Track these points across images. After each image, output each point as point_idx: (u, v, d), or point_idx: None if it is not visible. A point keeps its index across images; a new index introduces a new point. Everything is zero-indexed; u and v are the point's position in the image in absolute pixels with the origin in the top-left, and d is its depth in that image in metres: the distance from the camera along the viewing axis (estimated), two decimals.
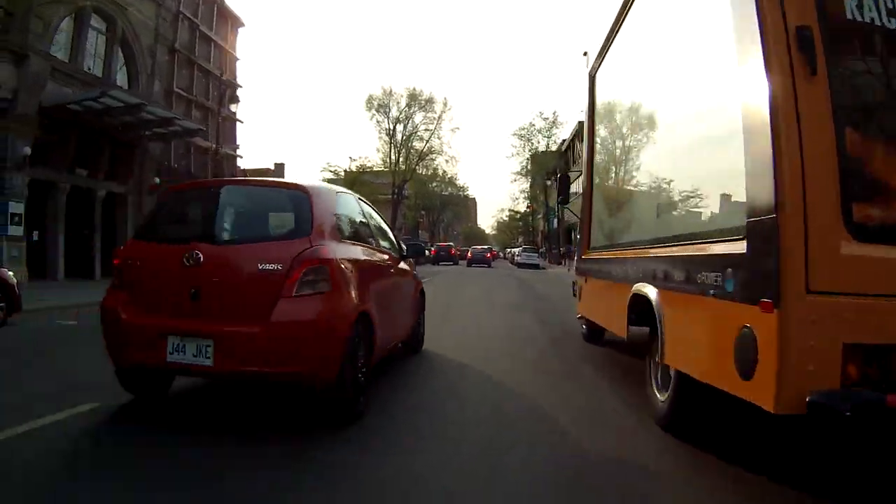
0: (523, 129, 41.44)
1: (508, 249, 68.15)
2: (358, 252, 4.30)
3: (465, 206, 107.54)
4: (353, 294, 3.80)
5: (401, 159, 45.46)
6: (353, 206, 4.81)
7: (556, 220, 43.70)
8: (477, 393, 4.88)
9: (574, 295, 8.39)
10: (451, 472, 3.07)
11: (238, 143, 30.75)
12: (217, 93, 25.71)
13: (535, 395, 4.74)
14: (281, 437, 3.44)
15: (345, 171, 36.24)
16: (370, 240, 4.93)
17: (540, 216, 70.96)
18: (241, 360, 3.38)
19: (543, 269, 32.49)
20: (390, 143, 44.70)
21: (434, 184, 66.48)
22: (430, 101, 44.16)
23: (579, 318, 8.02)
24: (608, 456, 3.35)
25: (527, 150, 41.80)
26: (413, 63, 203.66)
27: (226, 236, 3.84)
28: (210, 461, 3.06)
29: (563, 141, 43.23)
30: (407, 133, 44.34)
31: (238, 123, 31.14)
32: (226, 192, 4.20)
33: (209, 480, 2.83)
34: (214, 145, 22.22)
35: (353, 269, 3.93)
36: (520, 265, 34.37)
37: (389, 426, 3.82)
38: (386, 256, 5.18)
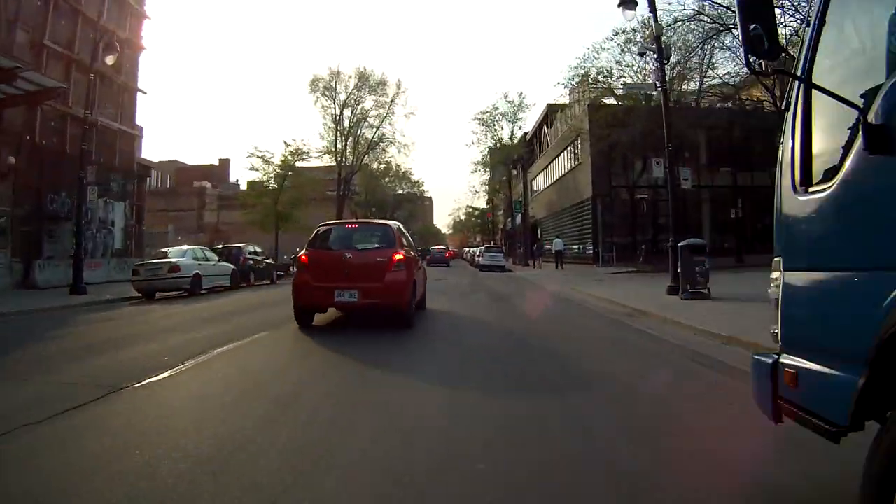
0: (485, 112, 39.90)
1: (467, 249, 66.23)
2: (410, 254, 9.28)
3: (420, 204, 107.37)
4: (411, 271, 8.67)
5: (348, 149, 42.85)
6: (404, 230, 10.04)
7: (519, 216, 43.68)
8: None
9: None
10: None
11: (139, 121, 26.38)
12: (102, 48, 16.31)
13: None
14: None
15: (283, 158, 32.46)
16: (410, 248, 9.71)
17: (500, 212, 71.70)
18: (370, 298, 7.96)
19: (510, 271, 29.66)
20: (336, 130, 42.34)
21: (387, 179, 65.82)
22: (381, 83, 41.93)
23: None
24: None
25: (489, 138, 40.37)
26: (366, 48, 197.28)
27: (359, 247, 8.59)
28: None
29: (525, 133, 42.91)
30: (355, 118, 42.12)
31: (139, 94, 25.66)
32: (351, 224, 10.29)
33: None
34: (87, 112, 16.19)
35: (409, 261, 8.73)
36: (482, 267, 30.58)
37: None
38: (414, 255, 10.17)
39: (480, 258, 32.14)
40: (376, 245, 8.46)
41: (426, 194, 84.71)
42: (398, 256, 8.13)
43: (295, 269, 10.59)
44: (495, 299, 14.36)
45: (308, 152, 32.65)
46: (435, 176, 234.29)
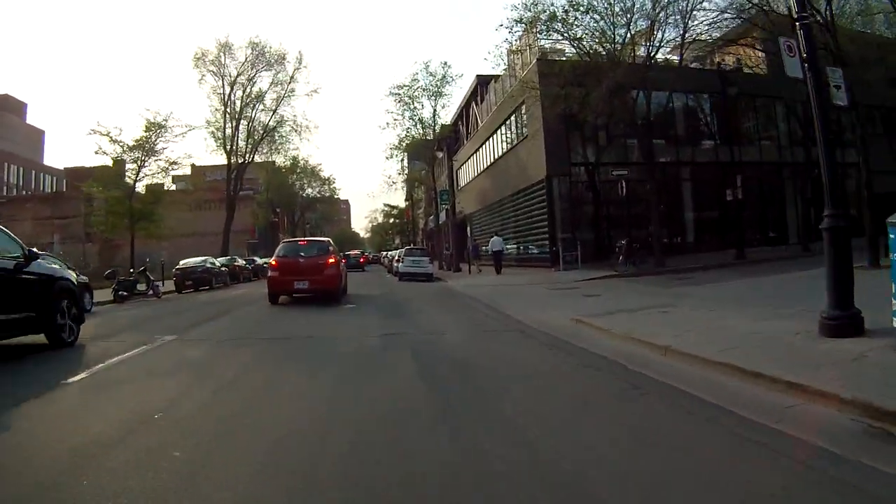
0: (402, 87, 32.57)
1: (385, 253, 58.67)
2: (338, 258, 14.81)
3: (334, 206, 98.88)
4: (339, 269, 14.42)
5: (240, 137, 34.66)
6: (333, 244, 15.60)
7: (444, 211, 36.96)
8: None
9: None
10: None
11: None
12: None
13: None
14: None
15: (143, 133, 24.90)
16: (337, 254, 15.22)
17: (420, 210, 65.05)
18: (315, 285, 13.26)
19: (440, 279, 22.72)
20: (225, 113, 34.06)
21: (294, 176, 57.34)
22: (279, 57, 34.31)
23: None
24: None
25: (406, 118, 32.99)
26: (262, 16, 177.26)
27: (306, 254, 14.13)
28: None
29: (449, 117, 36.04)
30: (249, 99, 34.00)
31: None
32: (302, 241, 16.68)
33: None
34: None
35: (338, 263, 14.46)
36: (403, 276, 22.82)
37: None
38: (339, 258, 15.37)
39: (400, 263, 24.36)
40: (317, 253, 14.22)
41: (339, 195, 76.63)
42: (331, 260, 13.94)
43: (268, 271, 14.52)
44: (436, 380, 5.36)
45: (171, 127, 24.01)
46: (352, 179, 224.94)
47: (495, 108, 28.44)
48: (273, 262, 13.89)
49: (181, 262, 21.24)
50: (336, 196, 69.24)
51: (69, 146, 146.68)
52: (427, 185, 42.59)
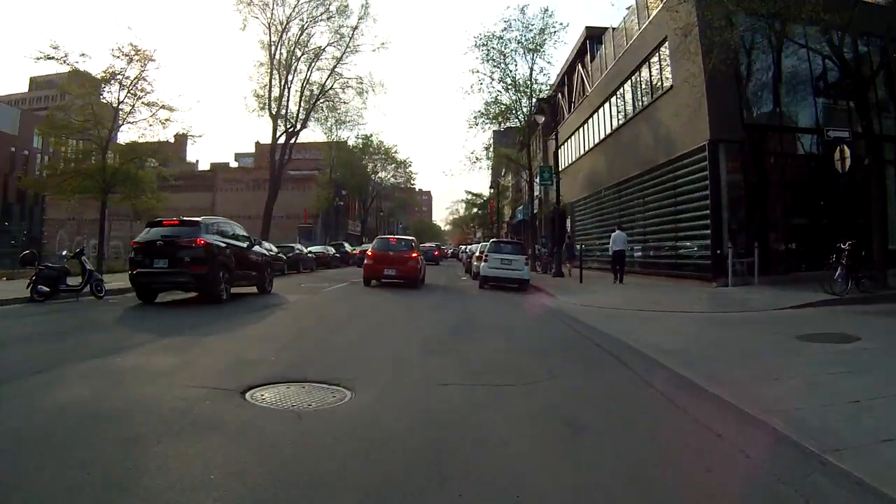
0: (491, 37, 25.46)
1: (463, 247, 52.16)
2: (419, 253, 18.72)
3: (412, 195, 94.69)
4: (419, 263, 17.85)
5: (291, 98, 29.18)
6: (417, 242, 20.46)
7: (536, 200, 30.45)
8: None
9: None
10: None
11: None
12: None
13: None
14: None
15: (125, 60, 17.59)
16: (419, 250, 19.29)
17: (506, 200, 58.63)
18: (400, 274, 16.78)
19: (538, 288, 16.41)
20: (272, 68, 28.59)
21: (366, 157, 52.80)
22: (342, 7, 29.08)
23: None
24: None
25: (496, 79, 26.57)
26: None
27: (395, 249, 17.70)
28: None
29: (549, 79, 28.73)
30: (302, 51, 28.61)
31: None
32: (392, 239, 18.81)
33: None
34: None
35: (419, 257, 18.16)
36: (486, 280, 16.93)
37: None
38: (420, 254, 18.90)
39: (484, 262, 17.31)
40: (404, 248, 17.64)
41: (415, 181, 71.96)
42: (414, 255, 17.24)
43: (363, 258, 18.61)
44: None
45: (152, 59, 17.39)
46: (435, 172, 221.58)
47: (614, 63, 21.66)
48: (370, 253, 17.63)
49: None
50: (412, 181, 64.25)
51: None
52: (517, 166, 36.00)
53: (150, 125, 16.77)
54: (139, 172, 16.93)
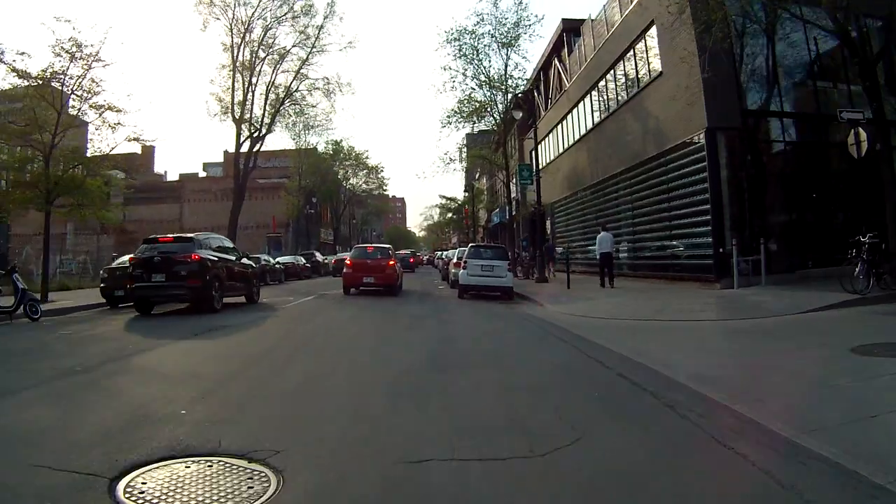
0: (464, 32, 23.92)
1: (440, 253, 50.07)
2: (396, 260, 19.10)
3: (385, 201, 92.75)
4: (397, 269, 18.48)
5: (255, 101, 27.57)
6: (393, 250, 21.40)
7: (514, 202, 29.13)
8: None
9: None
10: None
11: None
12: None
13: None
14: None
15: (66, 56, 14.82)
16: (395, 257, 19.44)
17: (480, 205, 57.27)
18: (379, 281, 17.14)
19: (524, 296, 15.11)
20: (234, 70, 26.40)
21: (337, 163, 50.90)
22: (307, 6, 27.26)
23: None
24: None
25: (468, 76, 24.75)
26: None
27: (373, 257, 18.06)
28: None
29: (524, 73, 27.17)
30: (266, 51, 26.73)
31: None
32: (369, 247, 19.98)
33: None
34: None
35: (396, 264, 18.60)
36: (466, 289, 15.47)
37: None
38: (397, 262, 19.76)
39: (463, 269, 15.71)
40: (381, 256, 18.01)
41: (388, 187, 70.25)
42: (391, 262, 17.70)
43: (341, 268, 19.74)
44: None
45: (98, 58, 15.04)
46: (408, 179, 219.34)
47: (594, 54, 20.45)
48: (348, 262, 18.07)
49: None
50: (385, 187, 62.41)
51: None
52: (493, 166, 34.51)
53: (97, 129, 14.82)
54: (87, 182, 14.89)
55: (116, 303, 13.62)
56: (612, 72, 18.91)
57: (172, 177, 62.41)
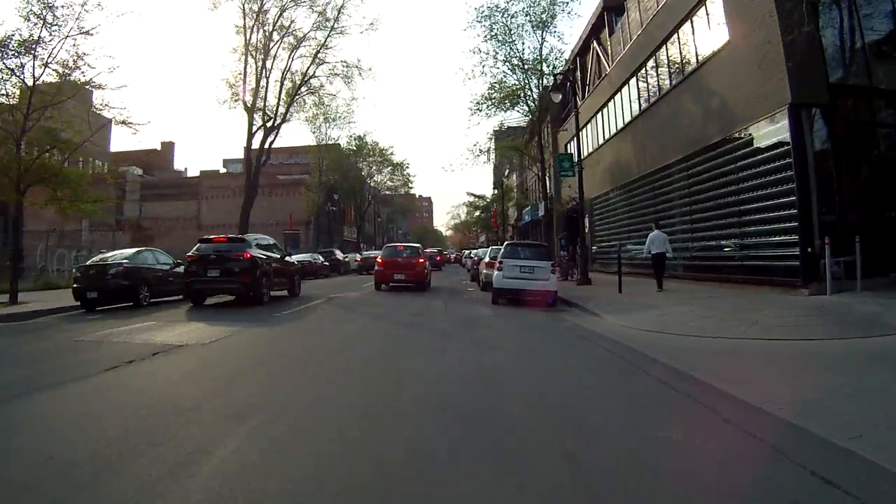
0: (494, 8, 22.48)
1: (468, 252, 47.90)
2: (425, 258, 20.43)
3: (412, 200, 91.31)
4: (426, 267, 19.70)
5: (269, 89, 25.96)
6: (423, 249, 22.89)
7: (549, 197, 27.17)
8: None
9: None
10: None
11: None
12: None
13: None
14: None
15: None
16: (425, 255, 20.88)
17: (510, 203, 55.18)
18: (409, 278, 18.54)
19: (571, 302, 13.13)
20: (246, 53, 24.89)
21: (360, 159, 49.51)
22: None
23: None
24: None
25: (500, 59, 23.15)
26: None
27: (403, 255, 19.50)
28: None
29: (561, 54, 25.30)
30: (280, 33, 25.36)
31: None
32: (399, 246, 21.60)
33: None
34: None
35: (426, 262, 19.95)
36: (502, 292, 13.46)
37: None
38: (426, 258, 21.02)
39: (498, 270, 13.63)
40: (411, 254, 19.36)
41: (413, 185, 68.42)
42: (421, 260, 19.02)
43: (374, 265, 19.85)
44: None
45: (87, 32, 13.55)
46: (436, 178, 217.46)
47: (642, 30, 18.44)
48: (380, 260, 19.03)
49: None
50: (410, 184, 60.62)
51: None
52: (529, 158, 32.44)
53: (75, 106, 13.37)
54: (65, 170, 13.50)
55: (92, 305, 12.43)
56: (663, 48, 16.89)
57: (194, 173, 61.92)
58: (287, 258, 16.31)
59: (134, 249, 14.68)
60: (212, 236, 14.48)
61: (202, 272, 12.90)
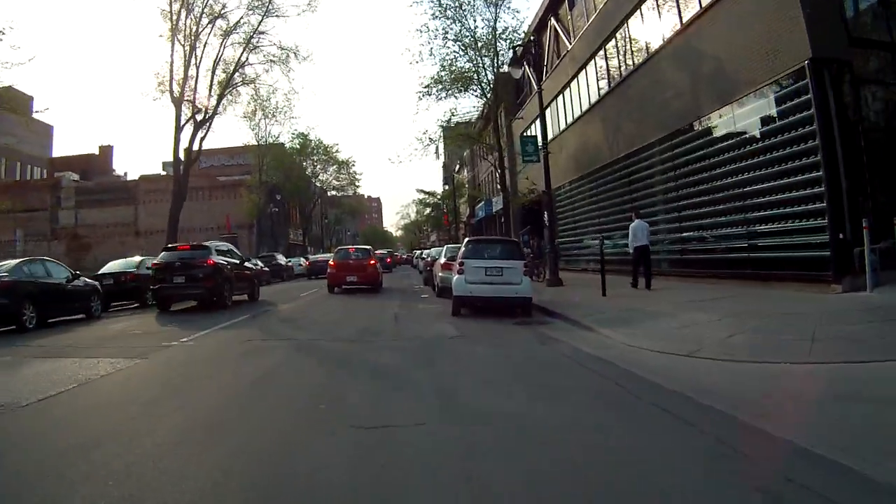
0: None
1: (419, 252, 44.96)
2: (376, 259, 21.25)
3: (360, 201, 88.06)
4: (377, 268, 20.27)
5: (199, 78, 23.34)
6: (374, 251, 22.50)
7: (506, 189, 25.06)
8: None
9: None
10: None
11: None
12: None
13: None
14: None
15: None
16: (375, 257, 21.42)
17: (462, 199, 52.98)
18: (361, 280, 18.71)
19: (552, 312, 10.61)
20: (172, 41, 22.20)
21: (303, 158, 46.16)
22: None
23: None
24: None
25: (450, 38, 21.16)
26: None
27: (354, 258, 19.54)
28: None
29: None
30: (210, 16, 22.45)
31: None
32: (351, 248, 21.04)
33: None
34: None
35: (376, 263, 20.51)
36: (465, 303, 10.98)
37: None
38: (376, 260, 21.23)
39: (459, 273, 10.80)
40: (362, 256, 19.43)
41: (360, 183, 65.44)
42: (372, 262, 19.34)
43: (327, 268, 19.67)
44: None
45: None
46: (384, 178, 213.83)
47: None
48: (332, 263, 19.34)
49: None
50: (357, 182, 57.33)
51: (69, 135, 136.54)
52: (483, 147, 29.96)
53: None
54: None
55: None
56: (637, 12, 14.93)
57: (135, 177, 57.54)
58: (247, 263, 17.02)
59: (17, 260, 12.16)
60: (176, 244, 16.40)
61: (169, 279, 13.78)
